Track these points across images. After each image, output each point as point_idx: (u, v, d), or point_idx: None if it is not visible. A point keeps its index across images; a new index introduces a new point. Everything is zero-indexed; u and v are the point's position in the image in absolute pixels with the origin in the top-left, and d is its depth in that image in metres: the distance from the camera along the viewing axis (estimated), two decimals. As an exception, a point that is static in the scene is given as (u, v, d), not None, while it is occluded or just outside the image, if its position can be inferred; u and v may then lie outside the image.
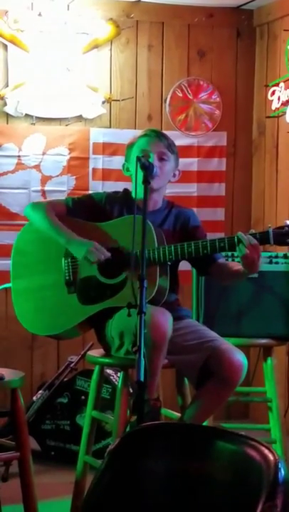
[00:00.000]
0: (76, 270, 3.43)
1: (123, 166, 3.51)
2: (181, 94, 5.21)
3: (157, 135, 3.43)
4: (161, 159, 3.38)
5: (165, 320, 3.09)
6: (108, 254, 3.32)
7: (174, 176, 3.49)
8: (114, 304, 3.31)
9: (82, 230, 3.41)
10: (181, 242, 3.26)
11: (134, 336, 3.07)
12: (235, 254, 3.17)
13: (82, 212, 3.47)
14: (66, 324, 3.42)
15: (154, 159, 3.33)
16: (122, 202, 3.45)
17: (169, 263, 3.28)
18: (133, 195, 3.42)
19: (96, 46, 5.04)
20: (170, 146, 3.42)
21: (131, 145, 3.45)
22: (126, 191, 3.50)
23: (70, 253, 3.44)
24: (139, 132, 3.53)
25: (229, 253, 3.68)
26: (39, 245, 3.54)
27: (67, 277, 3.43)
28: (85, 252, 3.32)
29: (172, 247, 3.24)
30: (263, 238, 3.11)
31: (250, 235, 3.11)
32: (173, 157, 3.43)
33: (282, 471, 1.75)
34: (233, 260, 3.61)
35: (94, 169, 5.10)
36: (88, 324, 3.46)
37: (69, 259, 3.44)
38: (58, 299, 3.45)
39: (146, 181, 3.14)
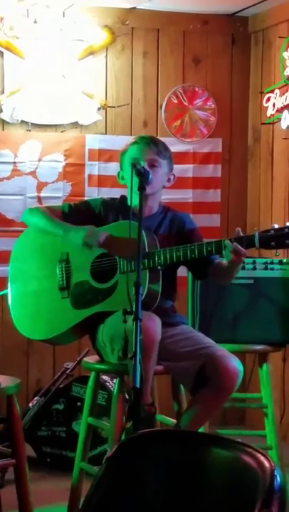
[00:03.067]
0: (69, 275, 3.44)
1: (118, 174, 3.51)
2: (176, 101, 5.22)
3: (147, 142, 3.39)
4: (152, 166, 3.35)
5: (153, 325, 3.08)
6: (104, 236, 3.31)
7: (169, 180, 3.46)
8: (104, 309, 3.31)
9: None
10: (176, 246, 3.25)
11: (124, 341, 3.08)
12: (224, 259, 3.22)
13: (77, 217, 3.48)
14: (59, 328, 3.43)
15: (145, 166, 3.30)
16: (117, 208, 3.45)
17: (159, 267, 3.26)
18: (129, 202, 3.41)
19: (91, 53, 5.05)
20: (161, 152, 3.38)
21: (123, 153, 3.44)
22: (122, 198, 3.50)
23: (65, 258, 3.46)
24: (131, 139, 3.52)
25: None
26: (35, 251, 3.58)
27: (60, 282, 3.45)
28: (83, 238, 3.33)
29: (161, 252, 3.23)
30: (249, 241, 3.12)
31: (237, 238, 3.12)
32: (165, 162, 3.41)
33: (278, 478, 1.75)
34: None
35: (90, 175, 5.10)
36: (82, 329, 3.47)
37: (63, 265, 3.46)
38: (52, 303, 3.47)
39: (142, 188, 3.13)
